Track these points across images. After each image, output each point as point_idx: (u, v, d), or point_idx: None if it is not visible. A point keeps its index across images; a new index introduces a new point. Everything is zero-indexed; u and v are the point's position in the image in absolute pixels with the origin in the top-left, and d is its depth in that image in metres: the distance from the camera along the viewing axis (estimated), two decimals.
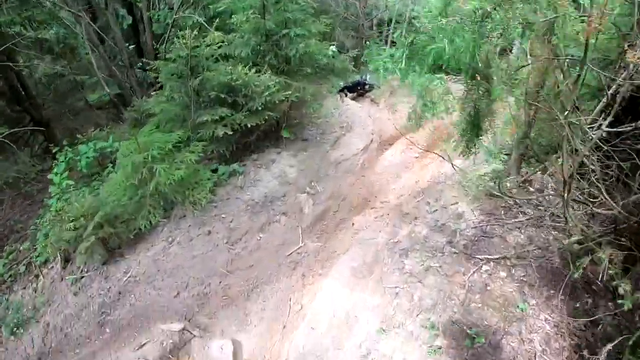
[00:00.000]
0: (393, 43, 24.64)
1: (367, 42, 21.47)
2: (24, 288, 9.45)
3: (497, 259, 7.35)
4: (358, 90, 17.65)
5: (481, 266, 7.29)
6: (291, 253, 9.18)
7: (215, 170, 10.30)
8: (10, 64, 11.30)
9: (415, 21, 24.79)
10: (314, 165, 11.38)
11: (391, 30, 25.15)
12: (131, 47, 14.80)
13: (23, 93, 13.72)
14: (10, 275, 9.83)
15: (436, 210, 9.15)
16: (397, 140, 14.28)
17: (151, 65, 9.84)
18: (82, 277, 8.78)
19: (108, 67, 13.25)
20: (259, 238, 9.34)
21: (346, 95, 16.30)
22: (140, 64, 10.58)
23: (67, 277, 8.88)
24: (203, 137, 9.62)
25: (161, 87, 10.52)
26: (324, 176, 11.31)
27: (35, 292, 9.24)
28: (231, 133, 9.52)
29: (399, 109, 16.53)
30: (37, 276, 9.52)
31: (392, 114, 16.42)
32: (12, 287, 9.66)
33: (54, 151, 11.02)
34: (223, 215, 9.38)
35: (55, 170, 10.25)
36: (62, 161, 10.52)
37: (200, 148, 9.20)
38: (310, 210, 10.21)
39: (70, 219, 8.37)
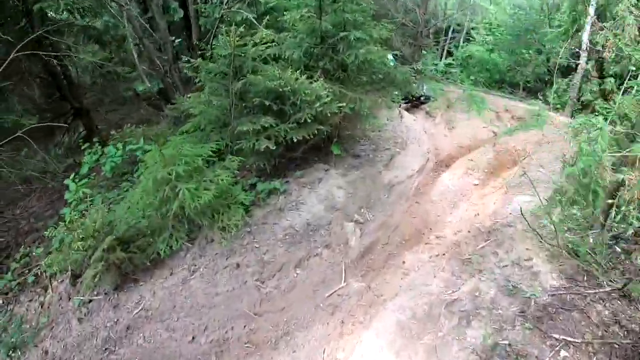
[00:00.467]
0: (449, 54, 22.65)
1: (424, 51, 19.43)
2: (30, 300, 8.08)
3: (578, 342, 5.60)
4: (413, 101, 15.60)
5: (559, 350, 5.56)
6: (331, 294, 7.40)
7: (253, 186, 8.58)
8: (41, 53, 9.72)
9: (474, 32, 23.14)
10: (365, 187, 9.51)
11: (448, 41, 23.14)
12: (177, 41, 13.23)
13: (64, 81, 12.41)
14: (18, 284, 8.40)
15: (506, 265, 7.26)
16: (455, 162, 12.29)
17: (191, 62, 8.18)
18: (90, 300, 7.21)
19: (152, 60, 11.70)
20: (295, 275, 7.55)
21: (399, 106, 14.28)
22: (187, 59, 9.00)
23: (74, 298, 7.32)
24: (242, 148, 7.90)
25: (202, 88, 8.87)
26: (376, 201, 9.42)
27: (42, 306, 7.84)
28: (274, 148, 7.74)
29: (456, 126, 14.52)
30: (45, 289, 8.08)
31: (449, 131, 14.38)
32: (19, 297, 8.26)
33: (82, 147, 9.49)
34: (256, 245, 7.62)
35: (73, 175, 8.68)
36: (86, 162, 9.01)
37: (235, 164, 7.52)
38: (357, 242, 8.36)
39: (80, 237, 6.76)
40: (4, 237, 10.31)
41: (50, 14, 11.80)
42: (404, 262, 8.09)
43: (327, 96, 8.14)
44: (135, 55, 10.81)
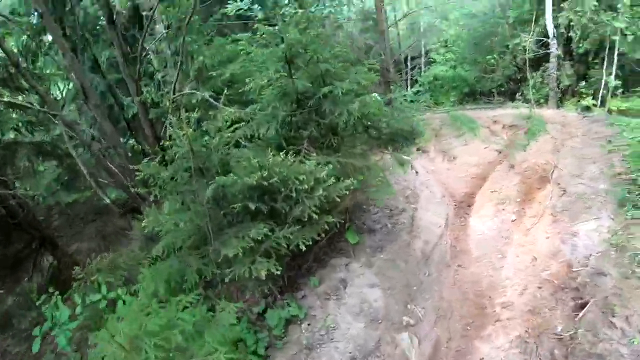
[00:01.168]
0: (415, 81, 20.40)
1: (392, 87, 17.18)
2: None
3: None
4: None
5: None
6: None
7: (262, 315, 5.69)
8: None
9: (433, 54, 21.00)
10: (400, 273, 6.69)
11: (409, 70, 20.92)
12: (130, 142, 10.42)
13: (20, 209, 9.84)
14: None
15: (634, 341, 4.44)
16: (476, 199, 9.62)
17: (140, 172, 5.38)
18: None
19: (107, 168, 8.94)
20: None
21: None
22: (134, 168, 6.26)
23: None
24: (236, 277, 5.03)
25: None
26: (418, 286, 6.61)
27: None
28: (278, 272, 4.85)
29: (455, 154, 11.89)
30: None
31: (450, 163, 11.73)
32: None
33: (37, 303, 6.55)
34: None
35: None
36: (36, 334, 6.04)
37: (233, 316, 4.58)
38: (417, 354, 5.54)
39: None
40: None
41: None
42: None
43: (329, 176, 5.36)
44: (82, 165, 8.05)
